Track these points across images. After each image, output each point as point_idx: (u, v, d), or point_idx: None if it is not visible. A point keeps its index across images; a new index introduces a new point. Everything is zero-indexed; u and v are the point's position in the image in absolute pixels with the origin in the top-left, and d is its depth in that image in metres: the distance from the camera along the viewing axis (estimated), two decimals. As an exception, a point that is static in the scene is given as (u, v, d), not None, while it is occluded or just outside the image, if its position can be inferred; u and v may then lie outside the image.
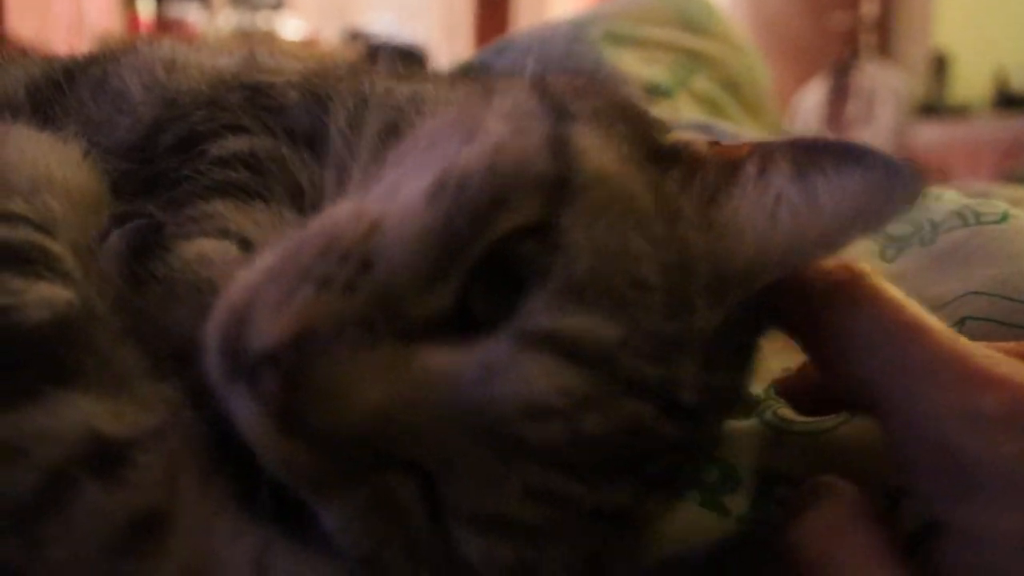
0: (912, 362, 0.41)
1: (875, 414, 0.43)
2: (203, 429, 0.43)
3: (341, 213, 0.45)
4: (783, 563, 0.41)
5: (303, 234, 0.44)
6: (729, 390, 0.47)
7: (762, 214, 0.47)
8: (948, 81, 5.80)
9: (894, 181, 0.44)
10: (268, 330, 0.39)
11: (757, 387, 0.60)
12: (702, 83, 1.30)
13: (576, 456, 0.41)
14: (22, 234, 0.47)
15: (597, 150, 0.47)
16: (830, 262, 0.47)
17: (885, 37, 5.56)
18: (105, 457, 0.40)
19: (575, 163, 0.45)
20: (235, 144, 0.57)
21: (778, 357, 0.57)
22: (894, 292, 0.45)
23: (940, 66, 5.79)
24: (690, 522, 0.50)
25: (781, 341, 0.51)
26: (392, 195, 0.46)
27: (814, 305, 0.46)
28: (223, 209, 0.53)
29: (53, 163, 0.55)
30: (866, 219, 0.45)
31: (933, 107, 5.57)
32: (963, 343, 0.42)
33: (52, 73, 0.67)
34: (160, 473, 0.41)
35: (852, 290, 0.45)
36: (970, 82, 5.70)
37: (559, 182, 0.44)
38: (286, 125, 0.57)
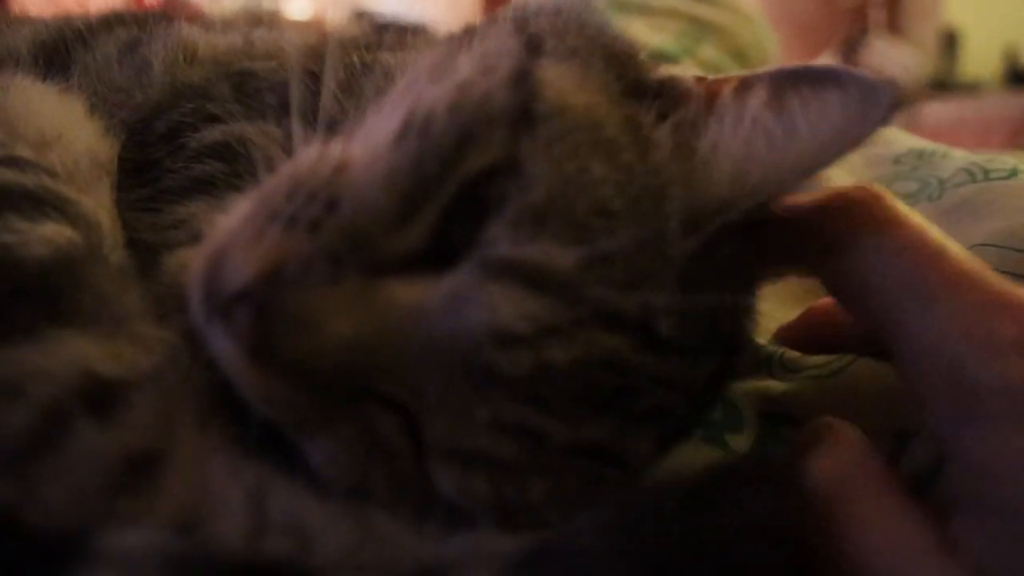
0: (929, 283, 0.40)
1: (887, 340, 0.42)
2: (201, 373, 0.43)
3: (309, 156, 0.46)
4: (787, 498, 0.41)
5: (274, 178, 0.45)
6: (715, 324, 0.46)
7: (737, 140, 0.47)
8: (958, 58, 5.75)
9: (870, 99, 0.43)
10: (239, 269, 0.40)
11: (760, 340, 0.59)
12: (709, 51, 1.29)
13: (546, 389, 0.41)
14: (31, 178, 0.48)
15: (560, 82, 0.47)
16: (847, 183, 0.46)
17: (895, 14, 5.50)
18: (100, 397, 0.40)
19: (536, 95, 0.45)
20: (210, 135, 0.57)
21: (775, 315, 0.57)
22: (913, 214, 0.44)
23: (950, 43, 5.74)
24: (690, 456, 0.49)
25: (778, 299, 0.51)
26: (365, 138, 0.46)
27: (831, 225, 0.45)
28: (198, 211, 0.54)
29: (60, 115, 0.55)
30: (843, 140, 0.44)
31: (943, 84, 5.53)
32: (981, 268, 0.41)
33: (71, 29, 0.68)
34: (155, 414, 0.41)
35: (869, 210, 0.44)
36: (980, 59, 5.66)
37: (521, 115, 0.44)
38: (278, 102, 0.57)
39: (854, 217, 0.44)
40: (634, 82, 0.50)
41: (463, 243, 0.42)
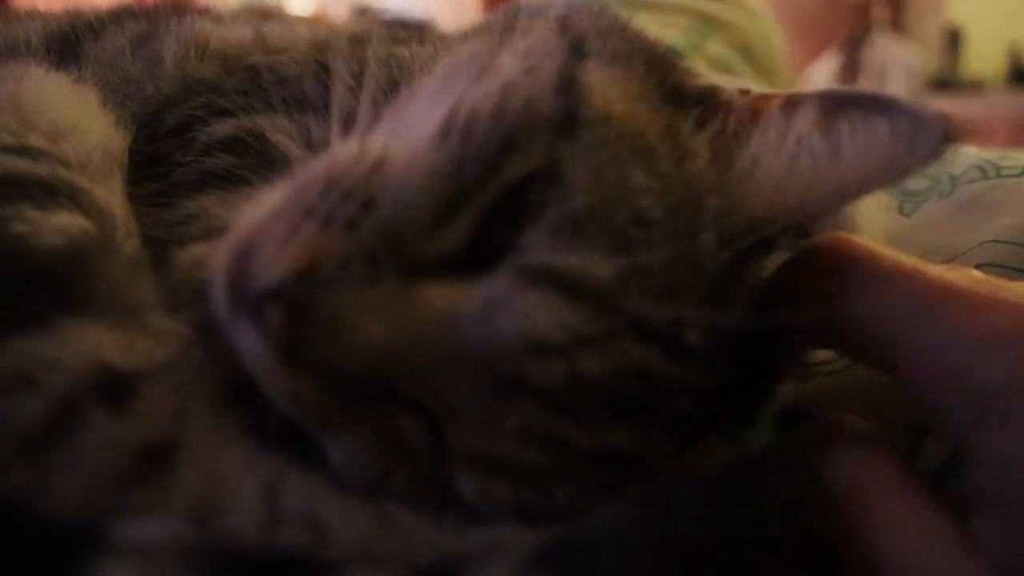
0: (920, 300, 0.40)
1: (894, 366, 0.42)
2: (215, 364, 0.43)
3: (345, 151, 0.45)
4: (803, 494, 0.41)
5: (307, 172, 0.44)
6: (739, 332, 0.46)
7: (781, 158, 0.46)
8: (962, 56, 5.75)
9: (920, 133, 0.43)
10: (272, 266, 0.39)
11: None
12: (716, 47, 1.29)
13: (575, 399, 0.41)
14: (45, 168, 0.47)
15: (605, 88, 0.46)
16: (817, 238, 0.46)
17: (898, 11, 5.51)
18: (113, 387, 0.40)
19: (581, 101, 0.44)
20: (221, 129, 0.57)
21: None
22: (876, 246, 0.44)
23: (954, 40, 5.74)
24: (707, 451, 0.49)
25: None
26: (401, 133, 0.45)
27: (811, 286, 0.45)
28: (209, 205, 0.53)
29: (74, 106, 0.55)
30: (888, 170, 0.44)
31: (946, 82, 5.53)
32: (962, 277, 0.41)
33: (81, 21, 0.68)
34: (169, 405, 0.41)
35: (839, 255, 0.44)
36: (984, 57, 5.66)
37: (565, 120, 0.43)
38: (290, 95, 0.57)
39: (829, 268, 0.44)
40: (674, 88, 0.50)
41: (500, 247, 0.41)
